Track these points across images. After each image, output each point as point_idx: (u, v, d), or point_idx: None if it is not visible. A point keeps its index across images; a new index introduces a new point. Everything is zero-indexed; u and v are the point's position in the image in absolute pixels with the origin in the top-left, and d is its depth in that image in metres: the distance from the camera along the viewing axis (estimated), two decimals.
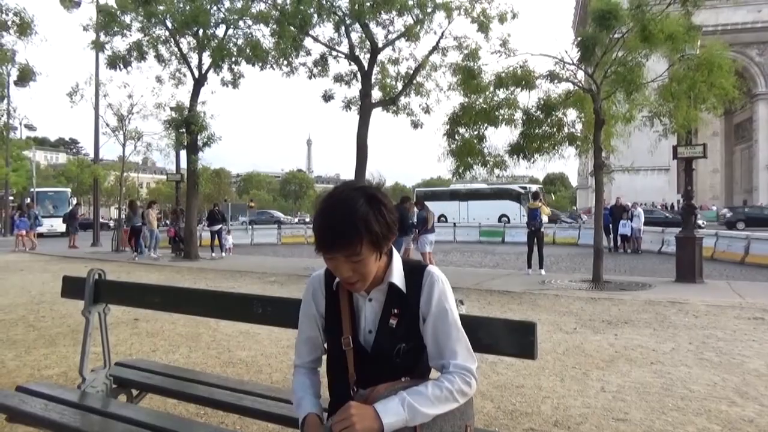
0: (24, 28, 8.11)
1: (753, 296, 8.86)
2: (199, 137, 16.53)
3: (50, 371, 4.75)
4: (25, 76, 9.09)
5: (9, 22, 8.09)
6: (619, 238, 20.04)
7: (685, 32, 9.68)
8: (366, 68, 14.25)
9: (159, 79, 17.71)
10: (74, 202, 39.46)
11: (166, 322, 6.75)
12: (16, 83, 14.80)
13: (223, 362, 5.09)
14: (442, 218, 38.80)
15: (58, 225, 35.57)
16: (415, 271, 1.58)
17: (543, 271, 12.30)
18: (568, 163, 20.13)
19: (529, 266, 12.57)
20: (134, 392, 2.86)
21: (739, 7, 53.93)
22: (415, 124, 16.03)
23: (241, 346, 5.67)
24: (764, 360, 5.10)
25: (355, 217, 1.40)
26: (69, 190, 43.25)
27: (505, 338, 1.73)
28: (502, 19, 13.13)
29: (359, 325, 1.57)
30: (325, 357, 1.70)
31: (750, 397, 4.06)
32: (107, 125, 21.95)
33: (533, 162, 11.91)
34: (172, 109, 17.48)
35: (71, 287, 2.83)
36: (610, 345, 5.71)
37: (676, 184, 53.25)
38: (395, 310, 1.54)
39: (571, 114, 11.77)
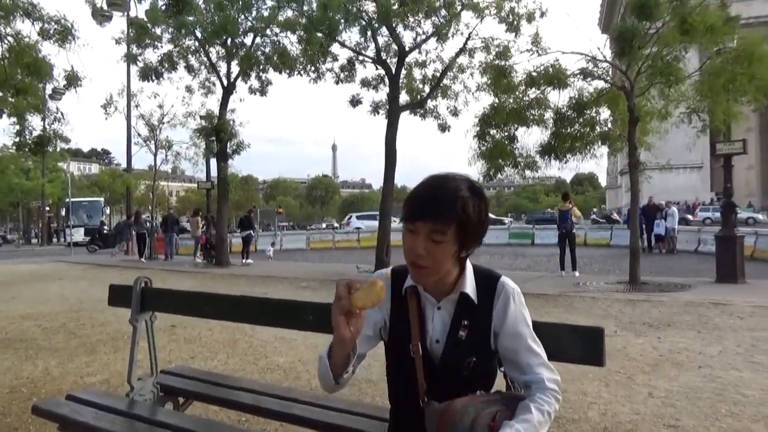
0: (65, 35, 8.25)
1: None
2: (228, 145, 16.74)
3: (93, 378, 4.81)
4: (71, 82, 9.27)
5: (51, 31, 8.23)
6: (653, 238, 19.60)
7: (724, 23, 9.42)
8: (393, 72, 14.21)
9: (189, 89, 17.99)
10: (110, 211, 40.12)
11: (203, 328, 6.80)
12: (51, 96, 15.06)
13: (261, 368, 5.10)
14: None
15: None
16: (487, 282, 1.52)
17: (577, 273, 12.06)
18: (600, 162, 19.78)
19: (562, 268, 12.35)
20: (180, 400, 2.86)
21: None
22: (443, 128, 15.88)
23: (278, 352, 5.68)
24: None
25: (456, 194, 1.36)
26: (102, 199, 44.23)
27: (571, 344, 1.66)
28: (530, 18, 12.92)
29: (426, 334, 1.50)
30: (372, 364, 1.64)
31: None
32: (139, 135, 22.38)
33: (565, 162, 11.73)
34: (202, 117, 17.75)
35: (118, 295, 2.84)
36: (653, 348, 5.55)
37: (709, 181, 51.90)
38: (465, 322, 1.48)
39: (604, 112, 11.56)
